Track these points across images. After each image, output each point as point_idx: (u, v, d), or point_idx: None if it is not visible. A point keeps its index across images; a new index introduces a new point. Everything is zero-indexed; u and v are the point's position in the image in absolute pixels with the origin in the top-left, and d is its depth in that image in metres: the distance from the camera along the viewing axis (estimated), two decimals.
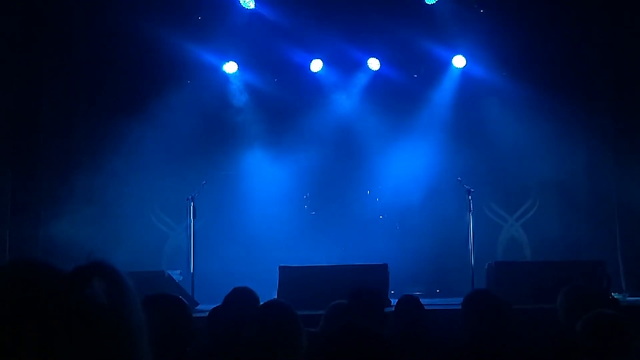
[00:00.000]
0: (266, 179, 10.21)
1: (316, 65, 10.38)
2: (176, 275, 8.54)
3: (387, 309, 4.56)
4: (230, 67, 10.35)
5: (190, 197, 8.61)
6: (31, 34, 9.35)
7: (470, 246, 8.40)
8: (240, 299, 4.16)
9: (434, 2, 9.96)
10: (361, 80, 10.54)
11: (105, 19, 9.67)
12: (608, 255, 8.91)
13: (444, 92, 10.39)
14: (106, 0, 9.63)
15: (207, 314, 4.27)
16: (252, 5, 10.05)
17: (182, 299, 3.42)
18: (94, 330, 0.78)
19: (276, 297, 7.24)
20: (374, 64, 10.39)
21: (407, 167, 10.06)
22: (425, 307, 4.76)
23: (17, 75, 9.22)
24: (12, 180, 9.11)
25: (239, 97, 10.48)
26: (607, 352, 2.74)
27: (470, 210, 8.47)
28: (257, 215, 10.04)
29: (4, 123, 9.09)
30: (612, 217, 9.60)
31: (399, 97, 10.37)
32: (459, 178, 8.76)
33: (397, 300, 4.81)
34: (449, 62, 10.32)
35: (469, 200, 8.48)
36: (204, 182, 8.96)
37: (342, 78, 10.54)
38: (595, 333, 2.78)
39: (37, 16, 9.40)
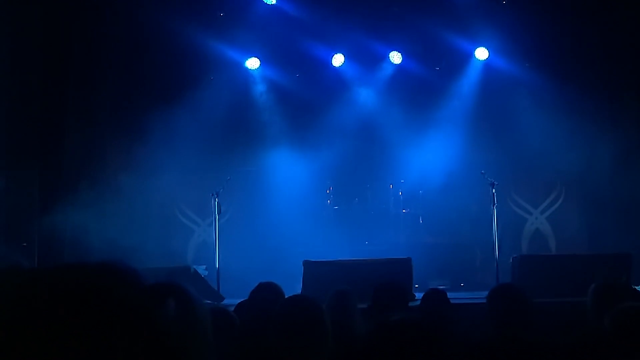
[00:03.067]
0: (289, 174, 10.25)
1: (338, 60, 10.38)
2: (202, 270, 8.62)
3: (411, 304, 4.56)
4: (253, 63, 10.40)
5: (215, 192, 8.68)
6: (58, 30, 9.47)
7: (495, 239, 8.35)
8: (266, 293, 4.20)
9: None
10: (383, 74, 10.52)
11: (130, 15, 9.76)
12: (634, 247, 8.79)
13: (467, 84, 10.33)
14: None
15: (233, 308, 4.32)
16: (273, 1, 10.08)
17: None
18: (162, 347, 0.82)
19: (300, 291, 7.28)
20: (395, 57, 10.36)
21: (430, 160, 10.02)
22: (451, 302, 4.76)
23: (43, 70, 9.35)
24: (40, 176, 9.26)
25: (262, 93, 10.53)
26: (638, 344, 2.72)
27: (494, 204, 8.41)
28: (280, 210, 10.08)
29: (31, 120, 9.24)
30: (638, 210, 9.47)
31: (421, 91, 10.33)
32: (482, 171, 8.70)
33: (422, 294, 4.82)
34: (471, 55, 10.26)
35: (493, 193, 8.42)
36: (229, 177, 9.01)
37: (364, 72, 10.53)
38: (624, 325, 2.77)
39: (65, 12, 9.51)
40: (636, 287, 5.35)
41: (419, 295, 5.77)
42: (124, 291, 0.83)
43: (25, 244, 8.04)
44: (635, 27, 9.45)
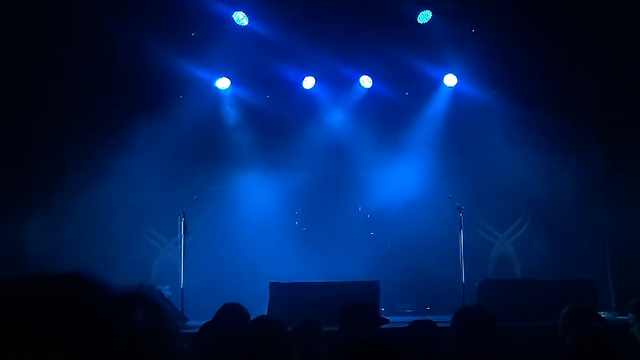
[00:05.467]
0: (257, 195, 10.19)
1: (309, 82, 10.43)
2: (166, 290, 8.49)
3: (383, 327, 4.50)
4: (223, 83, 10.38)
5: (181, 212, 8.59)
6: (29, 46, 9.37)
7: (461, 263, 8.40)
8: (231, 315, 4.15)
9: (426, 21, 10.06)
10: (353, 97, 10.59)
11: (101, 32, 9.66)
12: (598, 273, 8.93)
13: (436, 110, 10.45)
14: (103, 13, 9.63)
15: (197, 329, 4.25)
16: (245, 22, 10.11)
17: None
18: (132, 353, 0.83)
19: (266, 313, 7.21)
20: (366, 81, 10.45)
21: (398, 184, 10.07)
22: None
23: (11, 83, 9.22)
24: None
25: (231, 113, 10.50)
26: None
27: (461, 228, 8.49)
28: (248, 231, 10.01)
29: None
30: (602, 236, 9.64)
31: (391, 115, 10.42)
32: (450, 195, 8.78)
33: (393, 317, 4.78)
34: (440, 81, 10.40)
35: (460, 218, 8.50)
36: (195, 197, 8.94)
37: (334, 95, 10.59)
38: (583, 346, 2.81)
39: (34, 31, 9.40)
40: (602, 313, 5.42)
41: (394, 319, 5.76)
42: (91, 301, 0.83)
43: None
44: (600, 59, 9.68)
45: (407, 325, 4.11)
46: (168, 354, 0.91)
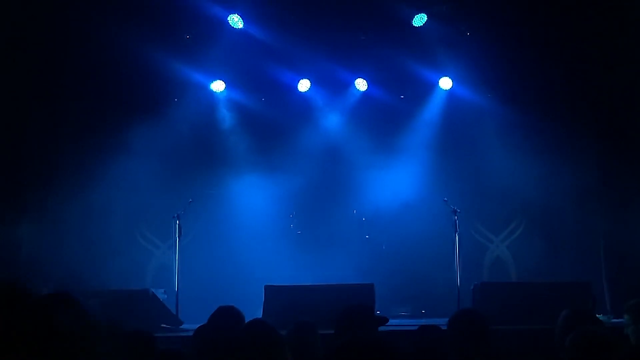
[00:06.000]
0: (252, 198, 10.19)
1: (304, 85, 10.43)
2: (160, 293, 8.46)
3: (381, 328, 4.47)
4: (218, 86, 10.37)
5: (176, 215, 8.57)
6: (25, 46, 9.35)
7: (456, 266, 8.40)
8: (226, 318, 4.13)
9: (421, 24, 10.06)
10: (349, 100, 10.60)
11: (96, 34, 9.64)
12: (593, 276, 8.94)
13: (431, 113, 10.46)
14: (99, 16, 9.61)
15: (192, 333, 4.23)
16: (240, 25, 10.10)
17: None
18: (51, 351, 0.85)
19: (261, 316, 7.19)
20: (361, 84, 10.45)
21: (394, 187, 10.08)
22: (412, 328, 4.73)
23: (6, 85, 9.20)
24: None
25: (226, 116, 10.49)
26: None
27: (456, 231, 8.49)
28: (243, 234, 10.00)
29: None
30: (597, 239, 9.65)
31: (386, 118, 10.43)
32: (445, 198, 8.79)
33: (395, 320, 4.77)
34: (435, 84, 10.41)
35: (455, 221, 8.50)
36: (190, 200, 8.92)
37: (329, 98, 10.59)
38: (582, 348, 2.81)
39: (33, 28, 9.38)
40: (598, 316, 5.42)
41: (394, 321, 5.74)
42: (11, 304, 0.87)
43: None
44: (595, 60, 9.70)
45: (407, 329, 4.11)
46: (90, 349, 0.92)
